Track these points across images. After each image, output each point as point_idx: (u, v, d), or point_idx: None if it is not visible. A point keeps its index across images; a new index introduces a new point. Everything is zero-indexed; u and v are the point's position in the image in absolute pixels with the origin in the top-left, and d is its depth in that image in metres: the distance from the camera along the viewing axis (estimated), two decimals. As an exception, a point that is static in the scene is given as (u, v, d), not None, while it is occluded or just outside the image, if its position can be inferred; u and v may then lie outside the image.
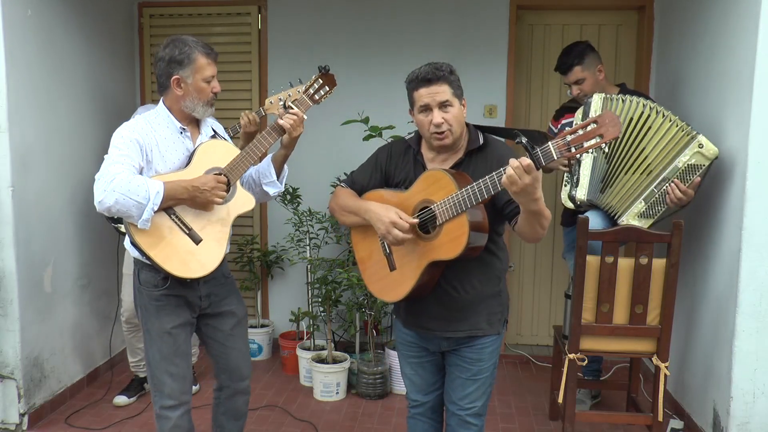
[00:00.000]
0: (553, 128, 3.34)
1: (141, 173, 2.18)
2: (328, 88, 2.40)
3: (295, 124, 2.29)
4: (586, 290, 2.70)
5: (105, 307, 3.88)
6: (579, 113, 3.05)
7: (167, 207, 2.17)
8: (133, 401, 3.53)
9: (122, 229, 3.50)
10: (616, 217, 2.92)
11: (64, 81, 3.48)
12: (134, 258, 2.28)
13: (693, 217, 3.17)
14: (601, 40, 4.04)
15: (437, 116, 1.96)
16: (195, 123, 2.36)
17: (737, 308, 2.68)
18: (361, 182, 2.21)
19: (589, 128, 1.68)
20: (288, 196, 3.82)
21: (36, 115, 3.22)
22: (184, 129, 2.29)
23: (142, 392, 3.58)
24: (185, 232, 2.19)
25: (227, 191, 2.23)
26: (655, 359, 2.72)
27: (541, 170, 1.71)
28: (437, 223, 1.96)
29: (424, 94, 1.97)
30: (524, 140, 1.72)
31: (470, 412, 2.16)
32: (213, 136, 2.38)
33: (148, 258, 2.17)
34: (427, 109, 1.98)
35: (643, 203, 2.86)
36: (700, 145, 2.76)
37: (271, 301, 4.39)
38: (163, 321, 2.26)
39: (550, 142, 1.71)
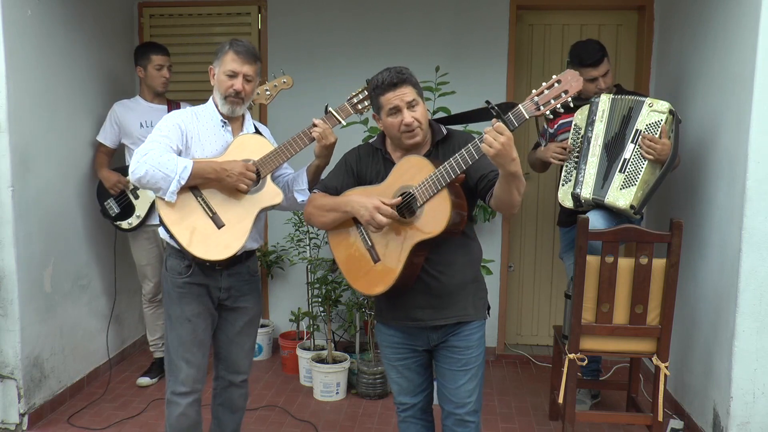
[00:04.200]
0: (549, 129, 3.34)
1: (179, 155, 2.27)
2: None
3: (323, 134, 2.33)
4: (586, 290, 2.70)
5: (105, 307, 3.88)
6: (581, 112, 3.05)
7: (195, 186, 2.25)
8: (155, 382, 3.70)
9: (124, 226, 3.57)
10: (604, 200, 2.90)
11: (64, 81, 3.48)
12: (165, 244, 2.38)
13: (693, 217, 3.17)
14: (601, 40, 4.01)
15: (407, 116, 2.03)
16: (240, 121, 2.43)
17: (737, 308, 2.68)
18: (334, 185, 2.21)
19: (554, 88, 1.82)
20: (288, 196, 3.82)
21: (36, 115, 3.22)
22: (225, 122, 2.37)
23: (163, 375, 3.59)
24: (209, 216, 2.27)
25: (256, 182, 2.29)
26: (655, 359, 2.72)
27: (513, 133, 1.82)
28: (418, 205, 2.00)
29: (391, 98, 2.03)
30: (495, 107, 1.84)
31: (467, 409, 2.16)
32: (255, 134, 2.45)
33: (171, 235, 2.24)
34: (396, 111, 2.04)
35: (619, 174, 2.87)
36: (650, 105, 2.87)
37: (271, 301, 4.39)
38: (184, 308, 2.32)
39: (519, 105, 1.83)
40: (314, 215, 2.19)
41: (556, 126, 3.30)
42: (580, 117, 3.07)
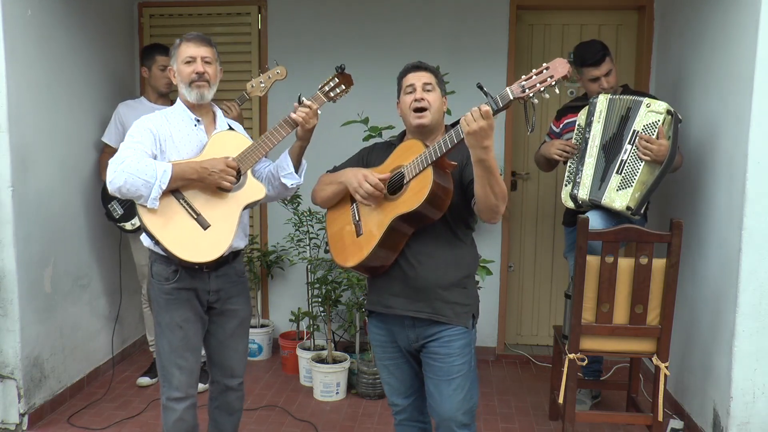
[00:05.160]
0: (555, 128, 3.34)
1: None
2: (344, 87, 2.45)
3: (307, 117, 2.32)
4: (586, 290, 2.70)
5: (105, 307, 3.88)
6: (583, 112, 3.06)
7: (176, 189, 2.22)
8: (155, 382, 3.67)
9: (127, 227, 3.57)
10: (601, 201, 2.90)
11: (64, 81, 3.48)
12: (149, 251, 2.33)
13: (693, 217, 3.17)
14: (601, 40, 4.04)
15: (419, 93, 2.13)
16: (211, 118, 2.41)
17: (737, 308, 2.68)
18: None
19: (541, 73, 1.86)
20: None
21: (36, 114, 3.22)
22: (198, 120, 2.35)
23: None
24: (193, 217, 2.23)
25: (237, 179, 2.27)
26: (655, 359, 2.72)
27: (497, 116, 1.85)
28: (405, 182, 2.06)
29: (410, 78, 2.17)
30: (484, 87, 1.90)
31: (456, 422, 2.12)
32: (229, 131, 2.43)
33: (156, 241, 2.21)
34: (411, 89, 2.15)
35: (616, 175, 2.86)
36: (648, 105, 2.85)
37: (271, 301, 4.39)
38: (173, 314, 2.30)
39: (506, 87, 1.88)
40: (316, 191, 2.32)
41: (561, 125, 3.30)
42: (582, 117, 3.07)
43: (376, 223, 2.10)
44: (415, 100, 2.12)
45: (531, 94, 1.85)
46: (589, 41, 3.24)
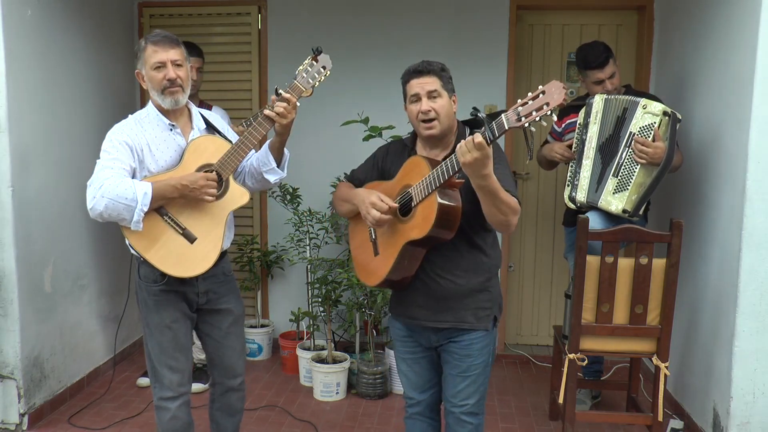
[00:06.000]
0: (557, 128, 3.34)
1: (134, 174, 2.19)
2: (323, 71, 2.31)
3: (285, 112, 2.20)
4: (586, 290, 2.70)
5: (105, 307, 3.88)
6: (582, 113, 3.05)
7: (159, 207, 2.18)
8: None
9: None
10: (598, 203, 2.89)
11: (64, 81, 3.48)
12: (133, 254, 2.30)
13: (693, 217, 3.17)
14: (602, 40, 4.04)
15: (425, 104, 2.05)
16: (187, 117, 2.34)
17: (737, 308, 2.68)
18: (359, 177, 2.31)
19: (538, 99, 1.78)
20: (288, 196, 3.82)
21: (36, 115, 3.22)
22: (173, 125, 2.28)
23: None
24: (179, 232, 2.20)
25: (219, 187, 2.22)
26: (655, 359, 2.72)
27: (491, 146, 1.78)
28: (413, 205, 2.04)
29: (414, 85, 2.08)
30: (481, 114, 1.83)
31: (464, 410, 2.18)
32: (207, 129, 2.36)
33: (144, 260, 2.21)
34: (416, 99, 2.07)
35: (612, 178, 2.85)
36: (644, 106, 2.81)
37: (271, 301, 4.39)
38: (162, 315, 2.29)
39: (502, 115, 1.81)
40: (335, 203, 2.34)
41: (563, 126, 3.30)
42: (581, 117, 3.06)
43: (389, 246, 2.10)
44: (422, 112, 2.05)
45: (527, 124, 1.79)
46: (592, 43, 3.19)
